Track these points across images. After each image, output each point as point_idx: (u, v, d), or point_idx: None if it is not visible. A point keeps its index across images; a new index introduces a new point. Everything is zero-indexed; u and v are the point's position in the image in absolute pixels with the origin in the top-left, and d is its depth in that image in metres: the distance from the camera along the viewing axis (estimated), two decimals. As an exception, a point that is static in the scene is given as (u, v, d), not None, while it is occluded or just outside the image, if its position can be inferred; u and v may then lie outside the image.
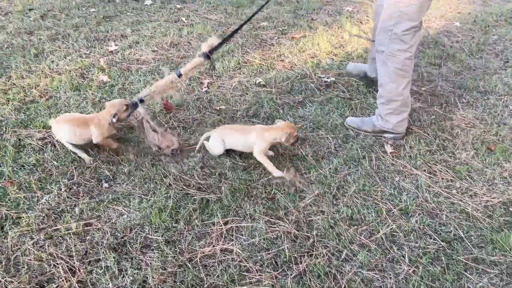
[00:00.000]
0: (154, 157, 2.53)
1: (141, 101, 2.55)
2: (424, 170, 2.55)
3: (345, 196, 2.33)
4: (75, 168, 2.40)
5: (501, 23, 4.99)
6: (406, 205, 2.29)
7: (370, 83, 3.33)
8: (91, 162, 2.43)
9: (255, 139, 2.44)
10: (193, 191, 2.30)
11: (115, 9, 4.71)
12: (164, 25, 4.36)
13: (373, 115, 2.90)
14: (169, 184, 2.33)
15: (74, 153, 2.46)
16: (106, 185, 2.32)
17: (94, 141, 2.44)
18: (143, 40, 3.97)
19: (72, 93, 3.08)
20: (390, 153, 2.68)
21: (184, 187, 2.32)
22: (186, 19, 4.55)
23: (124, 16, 4.56)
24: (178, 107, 3.03)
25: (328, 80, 3.48)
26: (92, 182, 2.33)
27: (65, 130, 2.41)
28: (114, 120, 2.43)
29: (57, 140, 2.52)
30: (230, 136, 2.51)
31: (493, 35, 4.60)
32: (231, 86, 3.35)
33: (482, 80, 3.61)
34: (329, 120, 2.98)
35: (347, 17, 4.86)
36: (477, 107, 3.22)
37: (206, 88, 3.28)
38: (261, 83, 3.38)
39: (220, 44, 2.63)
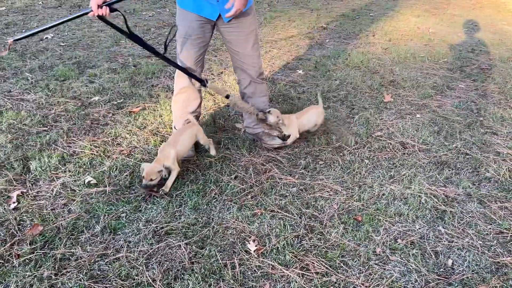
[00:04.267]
0: None
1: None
2: (296, 267, 2.17)
3: (207, 334, 1.82)
4: None
5: (339, 66, 5.15)
6: (282, 327, 1.86)
7: None
8: None
9: None
10: None
11: None
12: (-39, 118, 3.44)
13: None
14: None
15: None
16: None
17: None
18: None
19: None
20: (254, 251, 2.26)
21: None
22: (-7, 105, 3.68)
23: None
24: (-29, 242, 2.22)
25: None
26: None
27: None
28: None
29: None
30: None
31: (335, 80, 4.67)
32: (52, 192, 2.63)
33: (334, 133, 3.50)
34: (180, 219, 2.47)
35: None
36: (335, 167, 3.04)
37: (16, 203, 2.51)
38: (91, 182, 2.73)
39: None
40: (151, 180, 2.54)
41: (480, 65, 5.33)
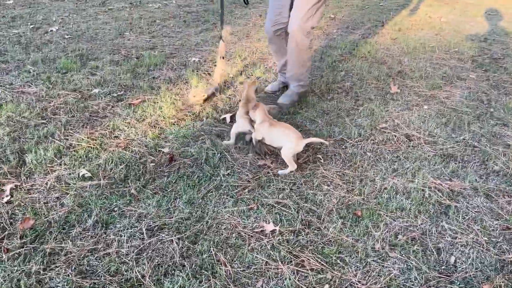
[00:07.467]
0: None
1: None
2: (290, 262, 2.10)
3: (195, 333, 1.76)
4: None
5: (346, 57, 5.03)
6: (273, 326, 1.79)
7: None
8: None
9: None
10: None
11: None
12: (-39, 110, 3.43)
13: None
14: None
15: None
16: None
17: None
18: None
19: None
20: (249, 246, 2.19)
21: None
22: (-7, 98, 3.66)
23: None
24: (-38, 236, 2.19)
25: (171, 152, 2.93)
26: None
27: None
28: None
29: None
30: None
31: (340, 71, 4.56)
32: (46, 186, 2.60)
33: (336, 125, 3.41)
34: (174, 213, 2.41)
35: (193, 70, 4.43)
36: (336, 160, 2.95)
37: (9, 197, 2.48)
38: (86, 175, 2.69)
39: None
40: None
41: (492, 55, 5.15)
